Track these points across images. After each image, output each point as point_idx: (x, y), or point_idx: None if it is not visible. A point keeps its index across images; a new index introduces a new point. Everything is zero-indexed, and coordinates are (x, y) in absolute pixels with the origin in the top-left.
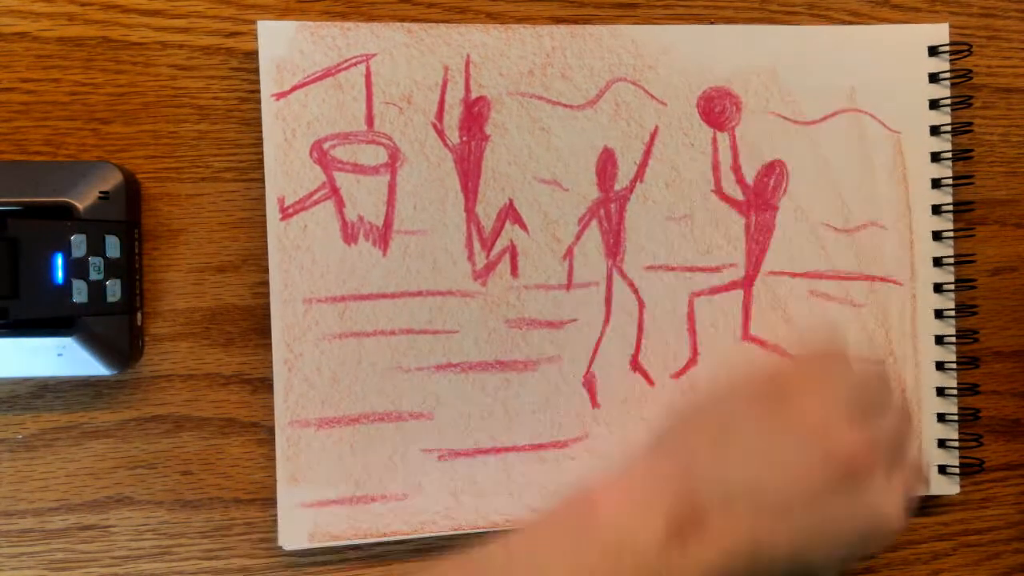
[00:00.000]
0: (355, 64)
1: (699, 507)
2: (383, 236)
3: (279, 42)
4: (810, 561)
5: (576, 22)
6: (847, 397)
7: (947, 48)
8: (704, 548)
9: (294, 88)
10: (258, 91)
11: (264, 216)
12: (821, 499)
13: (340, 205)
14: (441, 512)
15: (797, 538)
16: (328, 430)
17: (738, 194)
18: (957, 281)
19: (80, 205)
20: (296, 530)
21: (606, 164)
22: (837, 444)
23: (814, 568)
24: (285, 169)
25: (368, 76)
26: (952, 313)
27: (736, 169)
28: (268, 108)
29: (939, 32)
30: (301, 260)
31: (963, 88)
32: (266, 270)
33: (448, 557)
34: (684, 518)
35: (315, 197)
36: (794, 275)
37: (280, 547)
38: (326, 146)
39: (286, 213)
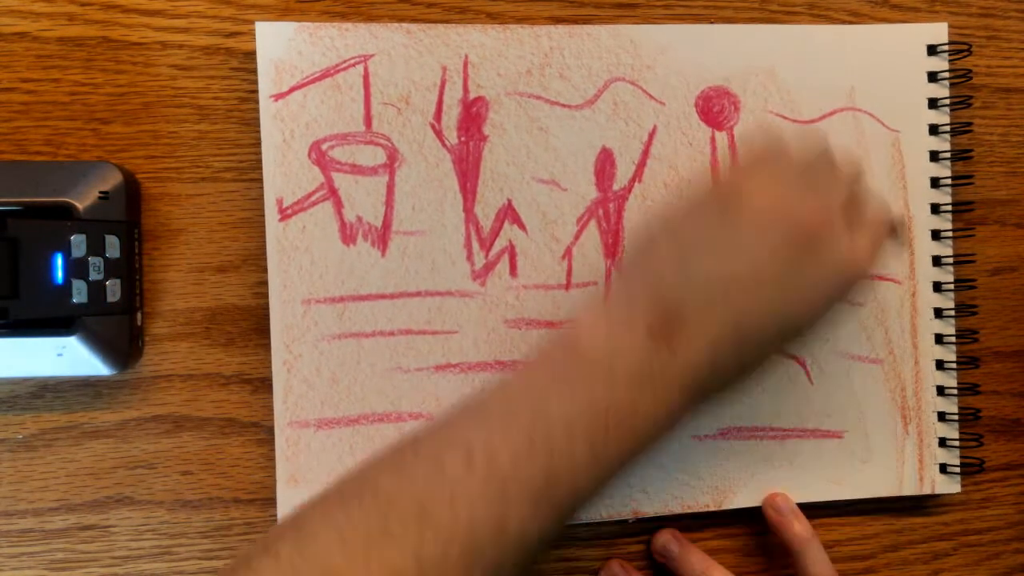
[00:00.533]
0: (353, 65)
1: (676, 309)
2: (382, 237)
3: (277, 43)
4: (792, 318)
5: (576, 22)
6: (793, 176)
7: (946, 48)
8: (690, 340)
9: (292, 89)
10: (257, 91)
11: (264, 216)
12: (790, 268)
13: (339, 206)
14: None
15: (776, 308)
16: (327, 431)
17: None
18: (957, 281)
19: (80, 205)
20: None
21: (604, 164)
22: (793, 214)
23: (799, 323)
24: (284, 170)
25: (366, 77)
26: (952, 313)
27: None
28: (266, 109)
29: (938, 32)
30: (300, 261)
31: (963, 88)
32: (266, 270)
33: (450, 409)
34: (664, 321)
35: (314, 198)
36: None
37: None
38: (324, 147)
39: (285, 214)
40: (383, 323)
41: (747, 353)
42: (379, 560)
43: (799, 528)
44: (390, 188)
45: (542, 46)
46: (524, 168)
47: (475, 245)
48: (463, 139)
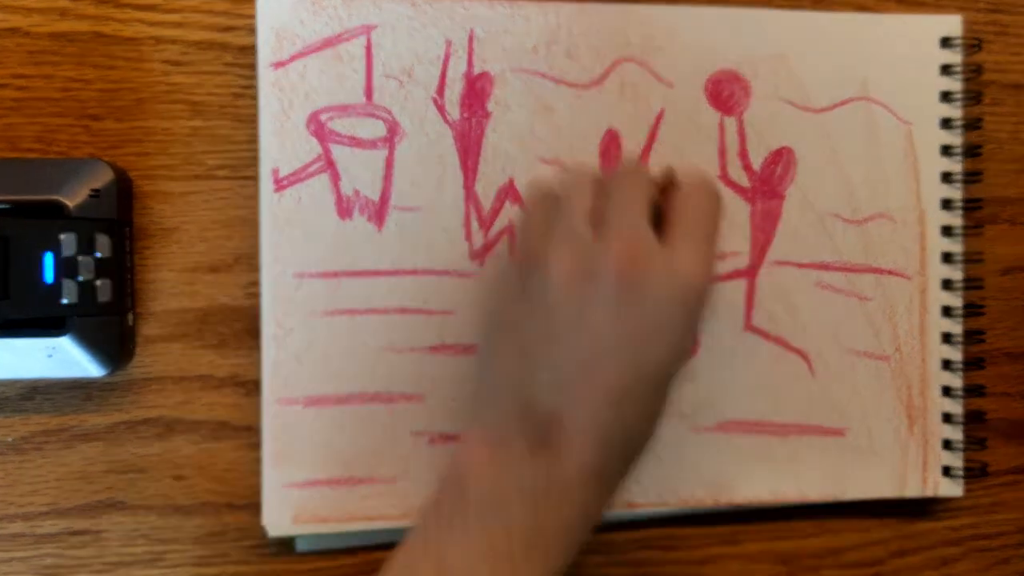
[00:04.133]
0: (356, 36)
1: (544, 412)
2: (379, 211)
3: (280, 11)
4: (664, 369)
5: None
6: (577, 224)
7: (959, 41)
8: (572, 439)
9: (293, 58)
10: (253, 87)
11: (258, 216)
12: (629, 320)
13: (336, 178)
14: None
15: (638, 365)
16: (316, 409)
17: (744, 181)
18: (965, 280)
19: (70, 203)
20: (280, 512)
21: (610, 145)
22: (597, 268)
23: (672, 368)
24: (281, 140)
25: (369, 48)
26: (960, 312)
27: (743, 155)
28: (265, 77)
29: (952, 24)
30: (293, 233)
31: (972, 84)
32: (259, 270)
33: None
34: (538, 430)
35: (310, 169)
36: (800, 265)
37: (271, 552)
38: (323, 118)
39: (280, 184)
40: (377, 300)
41: (633, 419)
42: None
43: None
44: (389, 162)
45: (550, 23)
46: (527, 147)
47: (474, 224)
48: (466, 115)
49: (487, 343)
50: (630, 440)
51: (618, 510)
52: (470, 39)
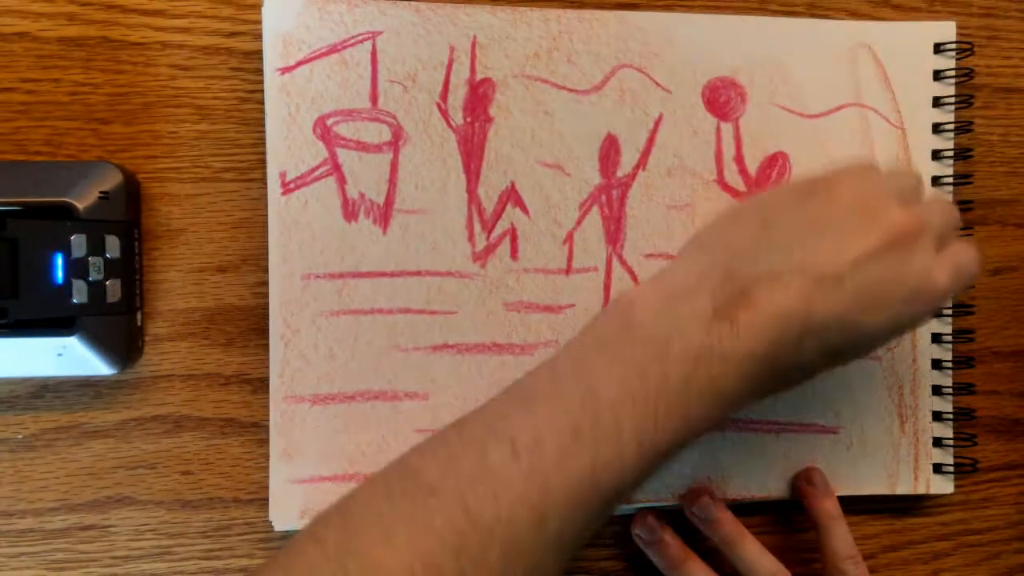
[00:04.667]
0: (361, 41)
1: (745, 284)
2: (384, 214)
3: (286, 16)
4: (860, 324)
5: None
6: (885, 185)
7: (952, 46)
8: (754, 316)
9: (299, 63)
10: (259, 92)
11: (265, 216)
12: (869, 265)
13: (342, 182)
14: None
15: (846, 300)
16: (323, 407)
17: (740, 185)
18: None
19: (80, 205)
20: (287, 507)
21: (609, 150)
22: (882, 217)
23: (865, 331)
24: (288, 144)
25: (374, 53)
26: (949, 312)
27: (739, 160)
28: (272, 82)
29: (945, 30)
30: (301, 236)
31: (964, 88)
32: (266, 270)
33: (500, 391)
34: (732, 298)
35: (317, 173)
36: None
37: (278, 546)
38: (329, 122)
39: (287, 188)
40: (382, 301)
41: (808, 351)
42: (421, 555)
43: (828, 504)
44: (394, 166)
45: (551, 29)
46: (529, 151)
47: (477, 226)
48: (468, 120)
49: (732, 215)
50: (795, 365)
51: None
52: (473, 45)
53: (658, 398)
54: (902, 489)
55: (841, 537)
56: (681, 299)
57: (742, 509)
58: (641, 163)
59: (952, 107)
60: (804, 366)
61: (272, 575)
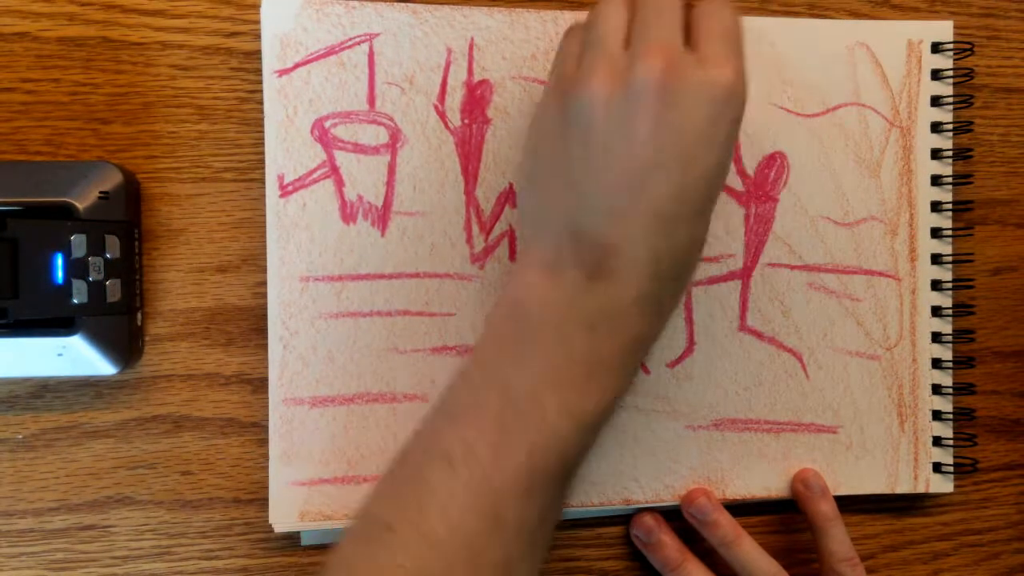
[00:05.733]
0: (359, 43)
1: (596, 238)
2: (382, 216)
3: (284, 18)
4: (710, 176)
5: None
6: (608, 37)
7: (951, 46)
8: (628, 265)
9: (297, 65)
10: (258, 92)
11: (264, 217)
12: (667, 129)
13: (340, 184)
14: None
15: (682, 176)
16: (322, 409)
17: (738, 185)
18: (955, 280)
19: (80, 205)
20: (287, 509)
21: None
22: (630, 78)
23: (719, 174)
24: (286, 146)
25: (371, 55)
26: (950, 312)
27: (737, 160)
28: (270, 84)
29: (943, 29)
30: (299, 238)
31: (963, 88)
32: (266, 270)
33: (428, 412)
34: (594, 258)
35: (315, 175)
36: (793, 267)
37: (277, 546)
38: (327, 124)
39: (285, 190)
40: (381, 303)
41: (683, 242)
42: None
43: (825, 507)
44: (392, 168)
45: (548, 31)
46: None
47: (475, 228)
48: (466, 121)
49: (531, 176)
50: (681, 264)
51: (615, 505)
52: (470, 47)
53: (572, 370)
54: (902, 489)
55: (838, 539)
56: (554, 278)
57: (741, 509)
58: None
59: (951, 107)
60: (687, 247)
61: None
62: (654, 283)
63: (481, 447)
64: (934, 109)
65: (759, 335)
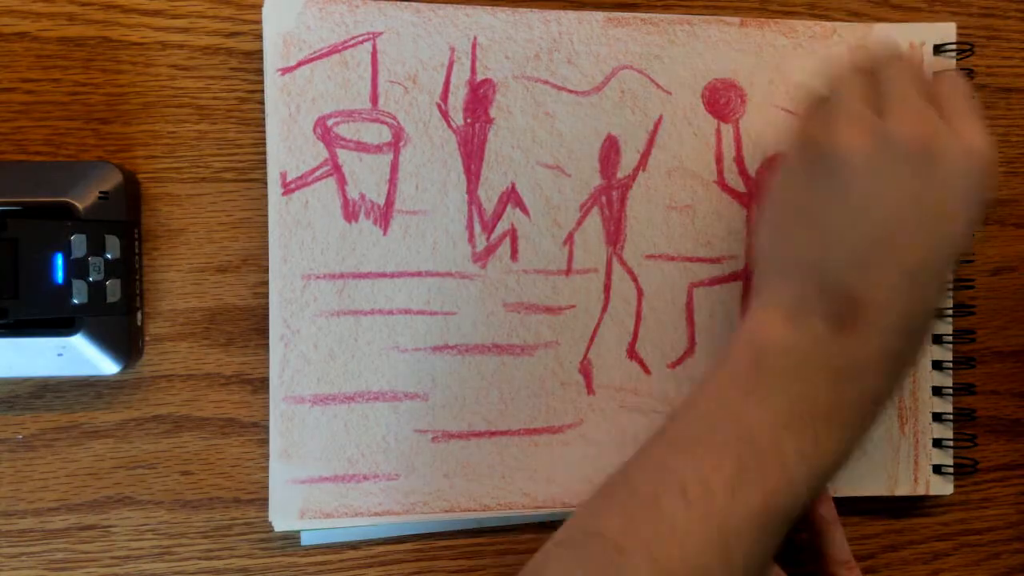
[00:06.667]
0: (362, 42)
1: (845, 292)
2: (384, 215)
3: (287, 17)
4: (955, 243)
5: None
6: (866, 102)
7: (953, 47)
8: (875, 320)
9: (300, 63)
10: (258, 92)
11: (265, 216)
12: (923, 194)
13: (342, 182)
14: (433, 494)
15: (934, 239)
16: (322, 407)
17: (740, 186)
18: (956, 280)
19: (80, 205)
20: (287, 508)
21: (609, 151)
22: (893, 141)
23: (963, 242)
24: (288, 144)
25: (374, 54)
26: (950, 313)
27: (739, 161)
28: (273, 82)
29: (945, 31)
30: (301, 236)
31: None
32: (266, 271)
33: (650, 440)
34: (841, 310)
35: (317, 173)
36: None
37: (277, 546)
38: (330, 123)
39: (288, 188)
40: (382, 302)
41: (928, 298)
42: None
43: (824, 510)
44: (394, 167)
45: (551, 31)
46: (529, 152)
47: (477, 227)
48: (469, 121)
49: (774, 228)
50: (924, 319)
51: None
52: (473, 46)
53: (813, 420)
54: (902, 490)
55: (836, 543)
56: (797, 324)
57: None
58: (641, 164)
59: None
60: (937, 298)
61: None
62: (899, 339)
63: (717, 484)
64: None
65: None
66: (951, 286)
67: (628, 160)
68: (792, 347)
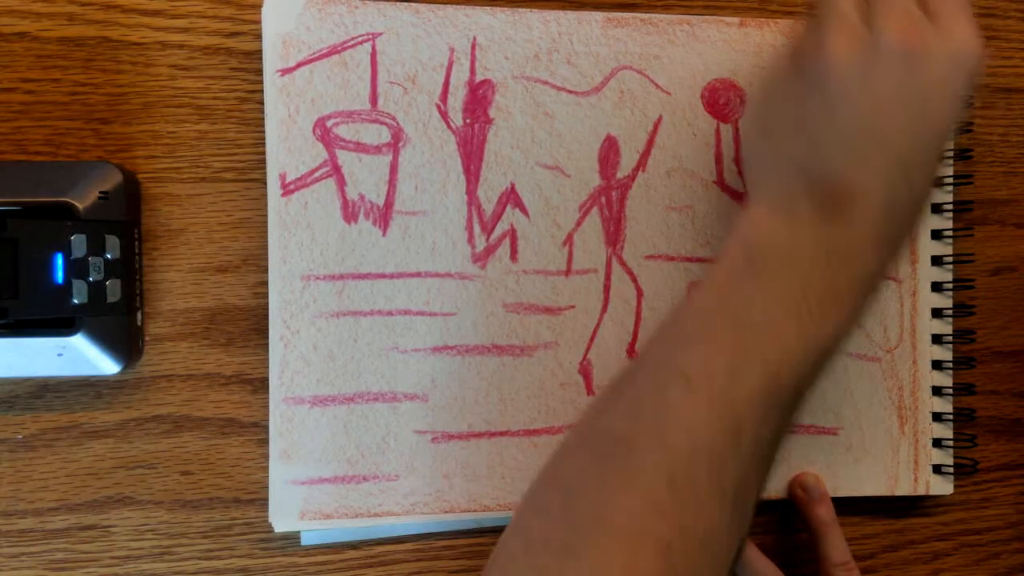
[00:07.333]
0: (361, 42)
1: (833, 180)
2: (383, 216)
3: (286, 17)
4: (942, 135)
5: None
6: (836, 19)
7: None
8: (863, 207)
9: (299, 64)
10: (258, 92)
11: (265, 217)
12: (910, 90)
13: (341, 183)
14: (433, 494)
15: (920, 134)
16: (322, 408)
17: (740, 186)
18: (955, 281)
19: (80, 205)
20: (287, 508)
21: (609, 152)
22: (877, 44)
23: (947, 134)
24: (288, 145)
25: (374, 55)
26: (950, 313)
27: (739, 161)
28: (272, 83)
29: None
30: (300, 237)
31: None
32: (266, 271)
33: (649, 341)
34: (828, 198)
35: (317, 174)
36: None
37: (277, 546)
38: (330, 124)
39: (287, 189)
40: (382, 302)
41: (917, 183)
42: (642, 496)
43: (823, 511)
44: (393, 167)
45: (550, 31)
46: (528, 153)
47: (476, 228)
48: (468, 121)
49: (761, 129)
50: (913, 204)
51: None
52: (473, 46)
53: (809, 301)
54: (902, 490)
55: (835, 544)
56: (788, 216)
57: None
58: (641, 165)
59: None
60: (925, 184)
61: (513, 542)
62: (889, 223)
63: (719, 367)
64: None
65: None
66: (942, 178)
67: (627, 160)
68: (784, 236)
